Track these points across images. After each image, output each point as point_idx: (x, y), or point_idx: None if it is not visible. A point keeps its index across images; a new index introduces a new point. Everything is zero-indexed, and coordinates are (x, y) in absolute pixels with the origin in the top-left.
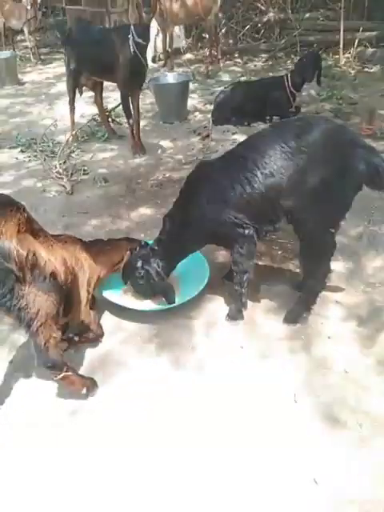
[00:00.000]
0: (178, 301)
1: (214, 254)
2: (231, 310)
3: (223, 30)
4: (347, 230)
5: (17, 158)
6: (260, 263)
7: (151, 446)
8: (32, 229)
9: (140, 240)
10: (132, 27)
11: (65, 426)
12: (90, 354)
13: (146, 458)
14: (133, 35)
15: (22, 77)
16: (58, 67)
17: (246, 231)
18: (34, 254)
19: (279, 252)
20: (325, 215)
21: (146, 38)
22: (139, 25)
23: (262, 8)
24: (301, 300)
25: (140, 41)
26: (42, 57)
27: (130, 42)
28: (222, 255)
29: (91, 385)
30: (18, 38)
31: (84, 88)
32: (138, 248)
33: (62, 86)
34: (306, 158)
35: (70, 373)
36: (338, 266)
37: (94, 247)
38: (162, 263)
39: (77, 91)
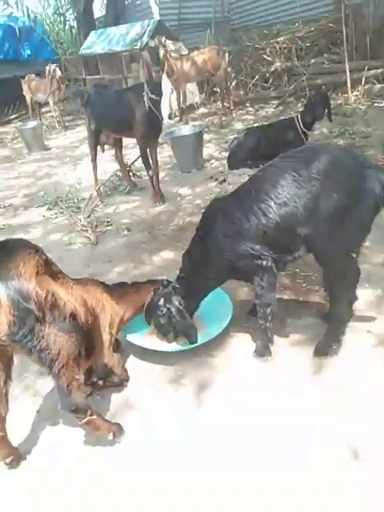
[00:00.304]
0: (201, 340)
1: (237, 290)
2: (258, 346)
3: (233, 83)
4: (371, 257)
5: (44, 216)
6: (285, 297)
7: (177, 492)
8: (50, 271)
9: (163, 280)
10: (145, 85)
11: (91, 473)
12: (115, 398)
13: (172, 504)
14: (146, 92)
15: (48, 143)
16: (81, 132)
17: (265, 262)
18: (53, 295)
19: (304, 285)
20: (343, 240)
21: (159, 93)
22: (151, 82)
23: (269, 59)
24: (329, 331)
25: (153, 96)
26: (66, 124)
27: (145, 98)
28: (245, 292)
29: (118, 430)
30: (44, 109)
31: (105, 146)
32: (161, 288)
33: (85, 148)
34: (319, 184)
35: (94, 417)
36: (366, 294)
37: (117, 290)
38: (184, 301)
39: (98, 149)
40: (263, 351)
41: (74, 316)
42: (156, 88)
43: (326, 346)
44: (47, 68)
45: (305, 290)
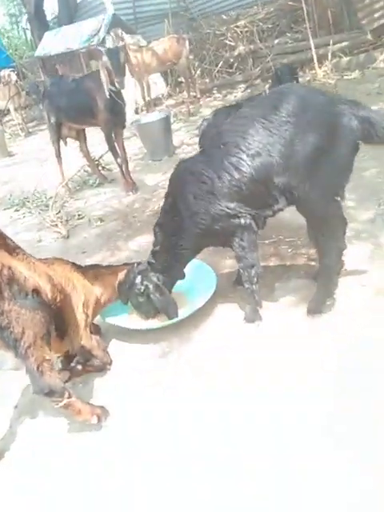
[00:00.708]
0: (186, 313)
1: (220, 263)
2: (247, 311)
3: (198, 71)
4: (358, 215)
5: (11, 217)
6: (270, 264)
7: (170, 472)
8: (6, 246)
9: (139, 262)
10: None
11: (76, 464)
12: (98, 383)
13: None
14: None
15: (12, 150)
16: (46, 136)
17: (243, 221)
18: (10, 269)
19: (289, 250)
20: (325, 183)
21: (121, 85)
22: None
23: (231, 44)
24: (321, 286)
25: (113, 88)
26: (30, 130)
27: (105, 88)
28: (229, 264)
29: (102, 413)
30: (7, 118)
31: (68, 139)
32: (135, 265)
33: (51, 150)
34: (291, 127)
35: (73, 399)
36: (356, 250)
37: (90, 271)
38: (162, 276)
39: (61, 143)
40: (253, 316)
41: (37, 292)
42: (119, 80)
43: (319, 303)
44: (1, 74)
45: (291, 254)
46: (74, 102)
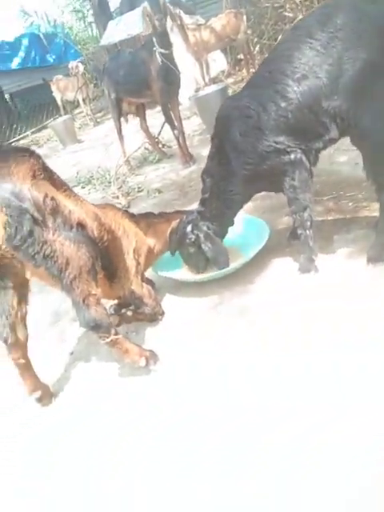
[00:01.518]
0: (238, 265)
1: (276, 221)
2: (301, 260)
3: (257, 48)
4: None
5: (77, 193)
6: (329, 218)
7: (219, 426)
8: (52, 179)
9: (192, 210)
10: (153, 39)
11: (124, 407)
12: (150, 332)
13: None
14: (155, 46)
15: (81, 137)
16: (112, 124)
17: (293, 156)
18: (54, 199)
19: (350, 204)
20: (380, 106)
21: (168, 46)
22: (155, 32)
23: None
24: (380, 232)
25: (162, 50)
26: (98, 120)
27: (156, 53)
28: (284, 222)
29: (151, 357)
30: (76, 111)
31: (129, 116)
32: (184, 216)
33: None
34: (340, 44)
35: (120, 336)
36: None
37: (143, 219)
38: (213, 225)
39: (122, 120)
40: (308, 265)
41: (82, 226)
42: (163, 40)
43: (380, 250)
44: (70, 65)
45: (352, 208)
46: (130, 73)
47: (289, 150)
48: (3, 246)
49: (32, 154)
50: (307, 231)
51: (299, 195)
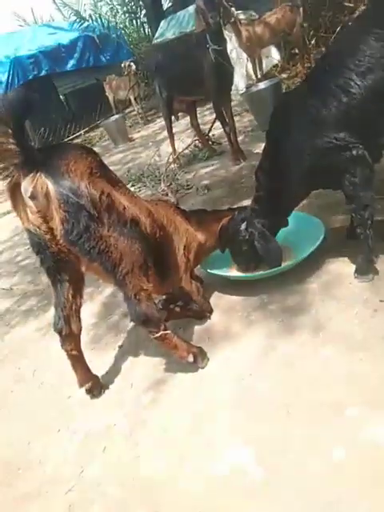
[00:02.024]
0: (289, 264)
1: (331, 219)
2: (358, 263)
3: (313, 41)
4: None
5: None
6: None
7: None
8: (108, 176)
9: (244, 206)
10: (207, 36)
11: (172, 401)
12: (198, 330)
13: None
14: (208, 43)
15: (133, 136)
16: (163, 123)
17: (354, 152)
18: (109, 196)
19: None
20: None
21: (221, 42)
22: (208, 30)
23: (350, 5)
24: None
25: (215, 47)
26: (149, 118)
27: (209, 50)
28: (340, 220)
29: (200, 354)
30: (128, 110)
31: (179, 114)
32: (236, 213)
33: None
34: None
35: (169, 332)
36: None
37: (194, 216)
38: (266, 222)
39: (173, 118)
40: (366, 268)
41: (136, 222)
42: (216, 37)
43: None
44: (123, 64)
45: None
46: (182, 71)
47: (350, 146)
48: (61, 241)
49: (89, 151)
50: (367, 231)
51: (360, 193)
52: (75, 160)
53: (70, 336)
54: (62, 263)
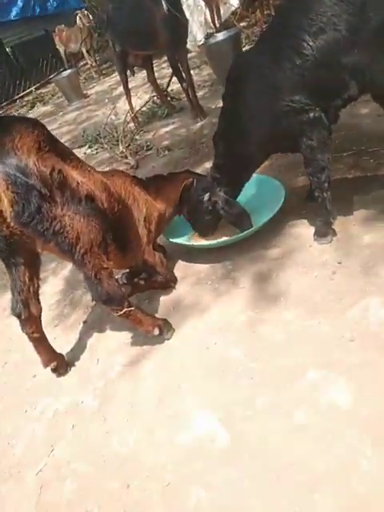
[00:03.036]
0: (250, 230)
1: (292, 181)
2: (317, 225)
3: None
4: None
5: (85, 153)
6: (349, 177)
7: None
8: (58, 151)
9: (199, 173)
10: None
11: (139, 374)
12: (164, 301)
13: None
14: None
15: (87, 92)
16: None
17: (311, 114)
18: (61, 172)
19: (371, 161)
20: None
21: None
22: None
23: None
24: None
25: None
26: (104, 71)
27: (162, 1)
28: (301, 180)
29: (165, 326)
30: (81, 63)
31: (135, 68)
32: (195, 181)
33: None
34: None
35: (133, 308)
36: None
37: (151, 184)
38: (228, 189)
39: (128, 73)
40: (325, 230)
41: (91, 198)
42: None
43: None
44: (78, 15)
45: (373, 164)
46: (135, 24)
47: (307, 108)
48: (11, 224)
49: (36, 124)
50: (324, 194)
51: (317, 155)
52: (21, 135)
53: (29, 319)
54: (15, 246)
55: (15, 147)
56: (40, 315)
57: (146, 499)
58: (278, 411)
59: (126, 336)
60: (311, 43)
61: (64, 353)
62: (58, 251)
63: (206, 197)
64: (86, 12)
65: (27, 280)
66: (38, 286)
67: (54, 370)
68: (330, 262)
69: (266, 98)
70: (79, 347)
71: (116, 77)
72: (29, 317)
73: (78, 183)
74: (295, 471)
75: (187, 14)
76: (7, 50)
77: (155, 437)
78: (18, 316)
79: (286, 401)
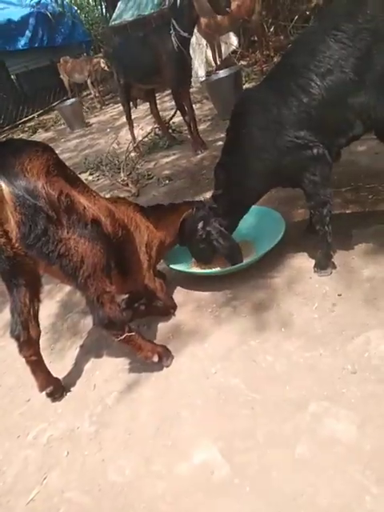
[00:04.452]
0: (252, 260)
1: (292, 212)
2: (318, 258)
3: (272, 29)
4: None
5: (86, 179)
6: (347, 212)
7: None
8: (66, 175)
9: (200, 201)
10: (173, 22)
11: (139, 399)
12: (163, 327)
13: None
14: (176, 29)
15: (89, 120)
16: (121, 106)
17: (315, 151)
18: (68, 196)
19: (370, 197)
20: None
21: (191, 31)
22: (176, 15)
23: None
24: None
25: (186, 35)
26: (106, 102)
27: (173, 37)
28: (300, 214)
29: (164, 353)
30: (85, 93)
31: (138, 101)
32: (194, 209)
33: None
34: (369, 35)
35: (134, 334)
36: None
37: (153, 212)
38: (224, 221)
39: (131, 104)
40: (325, 263)
41: (97, 223)
42: (189, 25)
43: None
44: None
45: (372, 201)
46: (140, 59)
47: (311, 145)
48: (16, 245)
49: (45, 148)
50: (326, 227)
51: (320, 190)
52: (30, 158)
53: (28, 342)
54: (17, 267)
55: (25, 169)
56: (38, 338)
57: None
58: (279, 443)
59: (123, 362)
60: (319, 83)
61: (60, 377)
62: (62, 274)
63: (201, 225)
64: (101, 59)
65: (28, 302)
66: (38, 309)
67: (49, 395)
68: (330, 294)
69: (271, 133)
70: (75, 372)
71: (118, 107)
72: (27, 339)
73: (85, 208)
74: (298, 506)
75: (190, 51)
76: (12, 77)
77: (153, 466)
78: (17, 338)
79: (288, 433)
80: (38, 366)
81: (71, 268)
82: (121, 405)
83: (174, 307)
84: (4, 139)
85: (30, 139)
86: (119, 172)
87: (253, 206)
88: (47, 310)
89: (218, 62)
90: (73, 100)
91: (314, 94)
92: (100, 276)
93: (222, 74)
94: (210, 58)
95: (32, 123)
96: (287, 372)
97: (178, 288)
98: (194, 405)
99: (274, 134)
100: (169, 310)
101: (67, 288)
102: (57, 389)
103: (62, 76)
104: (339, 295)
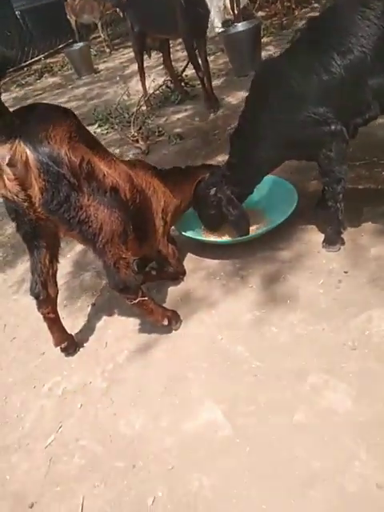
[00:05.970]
0: (262, 231)
1: (304, 184)
2: (328, 233)
3: None
4: None
5: (95, 132)
6: (360, 187)
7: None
8: (87, 140)
9: (218, 165)
10: None
11: (145, 360)
12: (172, 292)
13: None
14: None
15: (98, 66)
16: (131, 52)
17: (333, 127)
18: (89, 163)
19: (383, 173)
20: None
21: None
22: None
23: None
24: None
25: None
26: (116, 47)
27: None
28: (313, 185)
29: (174, 317)
30: (93, 35)
31: (152, 51)
32: (208, 175)
33: (136, 67)
34: None
35: (146, 298)
36: None
37: (170, 176)
38: (236, 189)
39: (144, 54)
40: (334, 239)
41: (116, 190)
42: None
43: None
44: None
45: None
46: (156, 8)
47: (329, 120)
48: (39, 210)
49: (67, 113)
50: (338, 204)
51: (335, 167)
52: (54, 125)
53: (46, 300)
54: (39, 230)
55: (49, 136)
56: (56, 297)
57: (151, 480)
58: (279, 410)
59: (133, 322)
60: (339, 62)
61: (72, 333)
62: (81, 239)
63: (213, 191)
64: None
65: (47, 262)
66: (56, 269)
67: (63, 350)
68: (336, 271)
69: (290, 107)
70: (87, 329)
71: (128, 54)
72: (46, 298)
73: (105, 175)
74: (292, 467)
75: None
76: (17, 13)
77: (161, 422)
78: (37, 296)
79: (287, 400)
80: (54, 323)
81: (90, 234)
82: (131, 363)
83: (184, 273)
84: (28, 103)
85: (51, 103)
86: (129, 126)
87: (266, 176)
88: (60, 269)
89: (236, 11)
90: (81, 44)
91: (334, 73)
92: (117, 242)
93: (241, 27)
94: (228, 5)
95: (38, 66)
96: (290, 343)
97: (189, 254)
98: (200, 368)
99: (293, 107)
100: (179, 275)
101: (79, 247)
102: (71, 345)
103: (68, 17)
104: (345, 272)
